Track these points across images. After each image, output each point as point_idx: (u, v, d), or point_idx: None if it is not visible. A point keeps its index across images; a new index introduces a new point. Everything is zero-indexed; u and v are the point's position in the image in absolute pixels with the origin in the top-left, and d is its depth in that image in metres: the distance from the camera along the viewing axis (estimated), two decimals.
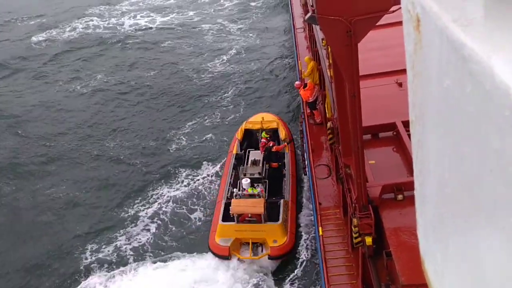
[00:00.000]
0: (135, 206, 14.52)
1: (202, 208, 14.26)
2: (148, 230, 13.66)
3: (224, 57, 22.86)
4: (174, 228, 13.74)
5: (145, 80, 21.51)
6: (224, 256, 12.13)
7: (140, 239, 13.41)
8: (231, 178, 13.75)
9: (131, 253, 13.05)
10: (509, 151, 0.74)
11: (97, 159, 16.71)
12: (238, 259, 12.15)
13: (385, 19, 8.97)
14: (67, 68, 23.26)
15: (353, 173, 8.47)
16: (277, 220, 12.30)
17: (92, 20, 27.90)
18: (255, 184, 12.74)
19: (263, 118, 15.42)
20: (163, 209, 14.29)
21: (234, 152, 14.74)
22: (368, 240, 8.19)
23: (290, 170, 13.98)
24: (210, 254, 12.45)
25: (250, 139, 15.33)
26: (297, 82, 15.93)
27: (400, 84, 11.60)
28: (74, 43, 25.61)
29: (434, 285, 1.26)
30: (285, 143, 14.59)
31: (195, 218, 13.96)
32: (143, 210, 14.31)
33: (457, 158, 0.93)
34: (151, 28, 26.64)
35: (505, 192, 0.77)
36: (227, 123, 17.75)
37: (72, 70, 22.98)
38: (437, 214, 1.13)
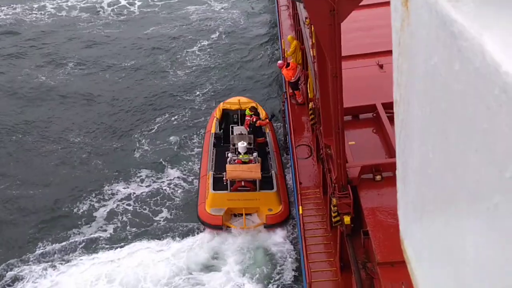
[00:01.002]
0: (93, 203, 13.99)
1: (167, 205, 13.78)
2: (105, 230, 13.12)
3: (205, 43, 21.98)
4: (135, 225, 13.16)
5: (116, 69, 20.31)
6: (217, 225, 11.91)
7: (95, 236, 12.91)
8: (213, 155, 13.66)
9: (84, 248, 12.56)
10: (497, 130, 0.73)
11: (55, 152, 15.99)
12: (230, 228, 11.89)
13: None
14: (31, 54, 21.57)
15: (333, 153, 8.54)
16: (271, 189, 12.24)
17: None
18: (249, 155, 12.63)
19: (239, 100, 15.34)
20: (122, 207, 13.81)
21: (213, 131, 14.63)
22: (347, 219, 8.34)
23: (274, 147, 14.02)
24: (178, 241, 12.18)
25: (227, 120, 15.21)
26: (279, 62, 15.83)
27: (381, 66, 11.63)
28: (43, 22, 24.22)
29: (412, 264, 1.26)
30: (268, 120, 14.58)
31: (161, 218, 13.39)
32: (100, 208, 13.79)
33: (442, 137, 0.92)
34: (131, 9, 25.44)
35: (490, 172, 0.76)
36: (191, 125, 16.88)
37: (39, 56, 21.32)
38: (419, 194, 1.13)
